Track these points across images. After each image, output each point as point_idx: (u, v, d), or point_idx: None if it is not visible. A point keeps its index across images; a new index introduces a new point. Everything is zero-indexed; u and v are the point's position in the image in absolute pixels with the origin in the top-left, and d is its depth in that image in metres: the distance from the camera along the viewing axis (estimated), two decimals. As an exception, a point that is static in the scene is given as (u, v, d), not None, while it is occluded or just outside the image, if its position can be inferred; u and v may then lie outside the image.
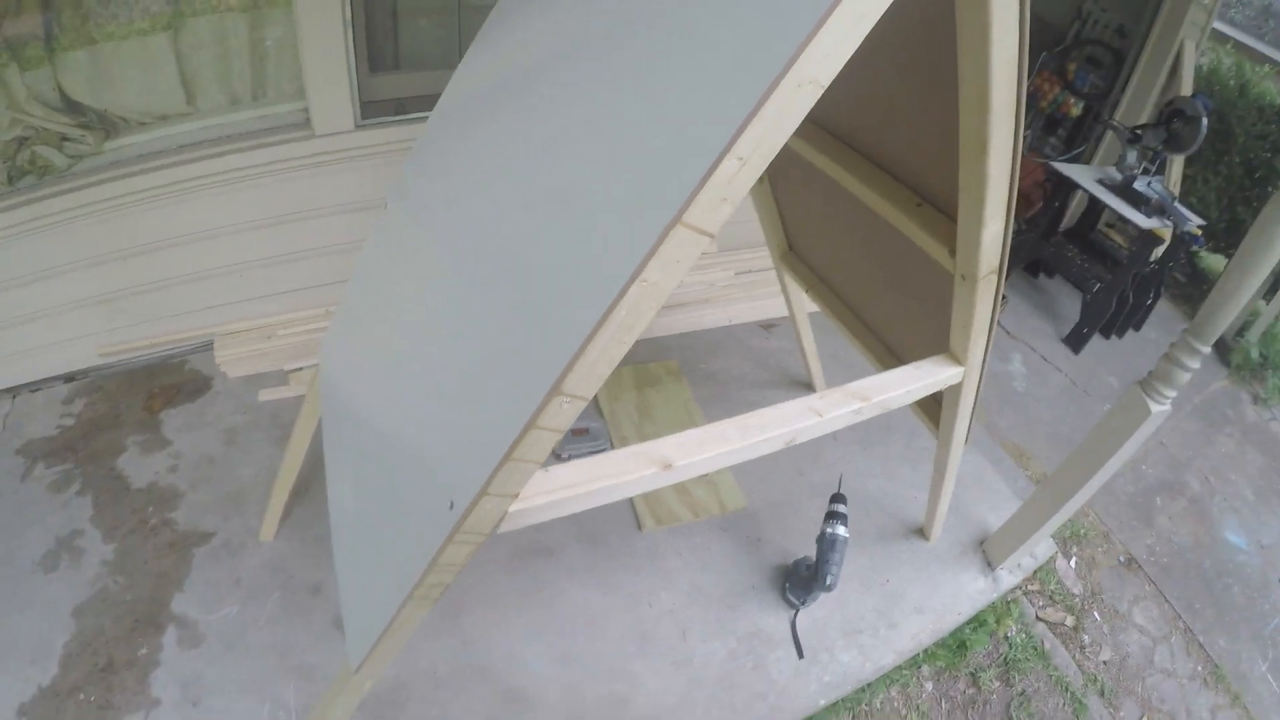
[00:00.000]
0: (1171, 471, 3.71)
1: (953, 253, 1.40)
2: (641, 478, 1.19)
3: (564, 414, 0.94)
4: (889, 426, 3.20)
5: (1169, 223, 3.72)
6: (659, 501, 2.63)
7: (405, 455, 1.29)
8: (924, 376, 1.59)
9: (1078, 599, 2.99)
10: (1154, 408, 2.01)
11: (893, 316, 2.07)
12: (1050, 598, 2.94)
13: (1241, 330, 4.51)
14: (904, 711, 2.45)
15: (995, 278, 1.40)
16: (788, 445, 1.37)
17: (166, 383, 2.86)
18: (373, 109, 2.58)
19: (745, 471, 2.83)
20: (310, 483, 2.43)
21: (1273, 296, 4.39)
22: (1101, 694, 2.75)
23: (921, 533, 2.67)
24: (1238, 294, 1.85)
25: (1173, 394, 2.03)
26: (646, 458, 1.20)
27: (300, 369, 2.92)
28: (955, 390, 1.73)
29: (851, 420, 1.46)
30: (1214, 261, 5.23)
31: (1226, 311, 1.89)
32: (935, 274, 1.54)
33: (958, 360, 1.62)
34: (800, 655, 2.24)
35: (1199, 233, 3.77)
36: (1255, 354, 4.37)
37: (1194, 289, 5.07)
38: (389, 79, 2.62)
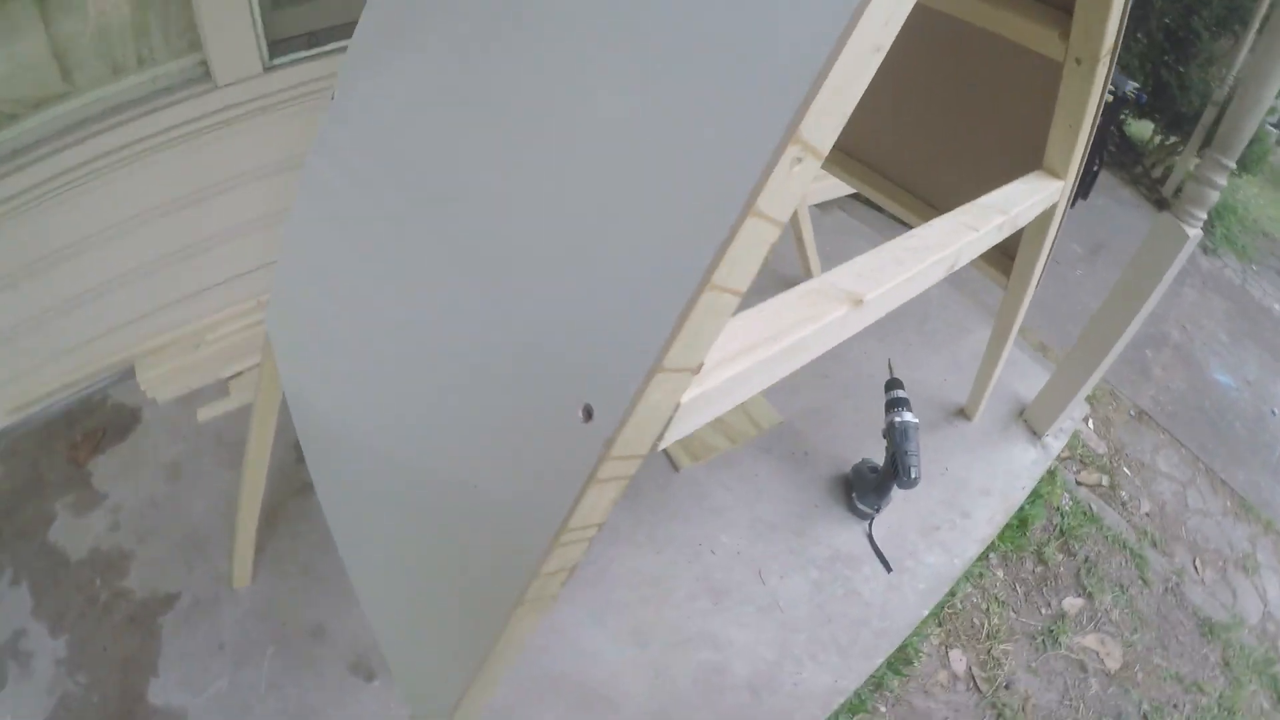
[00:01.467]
0: (1151, 324, 3.76)
1: (1063, 35, 1.23)
2: (835, 320, 0.93)
3: (795, 181, 0.60)
4: (897, 313, 3.06)
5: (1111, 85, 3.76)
6: (690, 435, 2.38)
7: (477, 381, 0.86)
8: (1035, 191, 1.41)
9: (1105, 458, 2.97)
10: (1189, 231, 1.98)
11: (942, 160, 1.92)
12: (1081, 461, 2.90)
13: (1180, 188, 4.65)
14: (984, 604, 2.34)
15: (1110, 59, 1.22)
16: (949, 271, 1.16)
17: (89, 426, 2.41)
18: (281, 47, 2.18)
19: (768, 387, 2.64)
20: (280, 503, 2.07)
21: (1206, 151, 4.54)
22: (1154, 545, 2.74)
23: (963, 413, 2.54)
24: (1259, 103, 1.84)
25: (1203, 215, 1.99)
26: (827, 295, 0.94)
27: (240, 373, 2.51)
28: (1044, 217, 1.56)
29: (997, 237, 1.27)
30: (1140, 128, 5.39)
31: (1250, 123, 1.88)
32: (1023, 82, 1.38)
33: (1056, 174, 1.45)
34: (888, 569, 2.06)
35: (1135, 94, 3.84)
36: None
37: (1125, 157, 5.20)
38: (296, 11, 2.20)
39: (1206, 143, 4.54)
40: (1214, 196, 1.97)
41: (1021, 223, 1.35)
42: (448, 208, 0.91)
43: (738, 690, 1.82)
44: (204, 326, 2.53)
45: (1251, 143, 4.54)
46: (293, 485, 2.16)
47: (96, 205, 2.07)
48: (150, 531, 2.10)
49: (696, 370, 0.72)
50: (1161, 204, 4.65)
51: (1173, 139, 4.89)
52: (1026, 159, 1.52)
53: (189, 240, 2.30)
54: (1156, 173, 4.95)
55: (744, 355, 0.82)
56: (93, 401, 2.47)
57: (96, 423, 2.43)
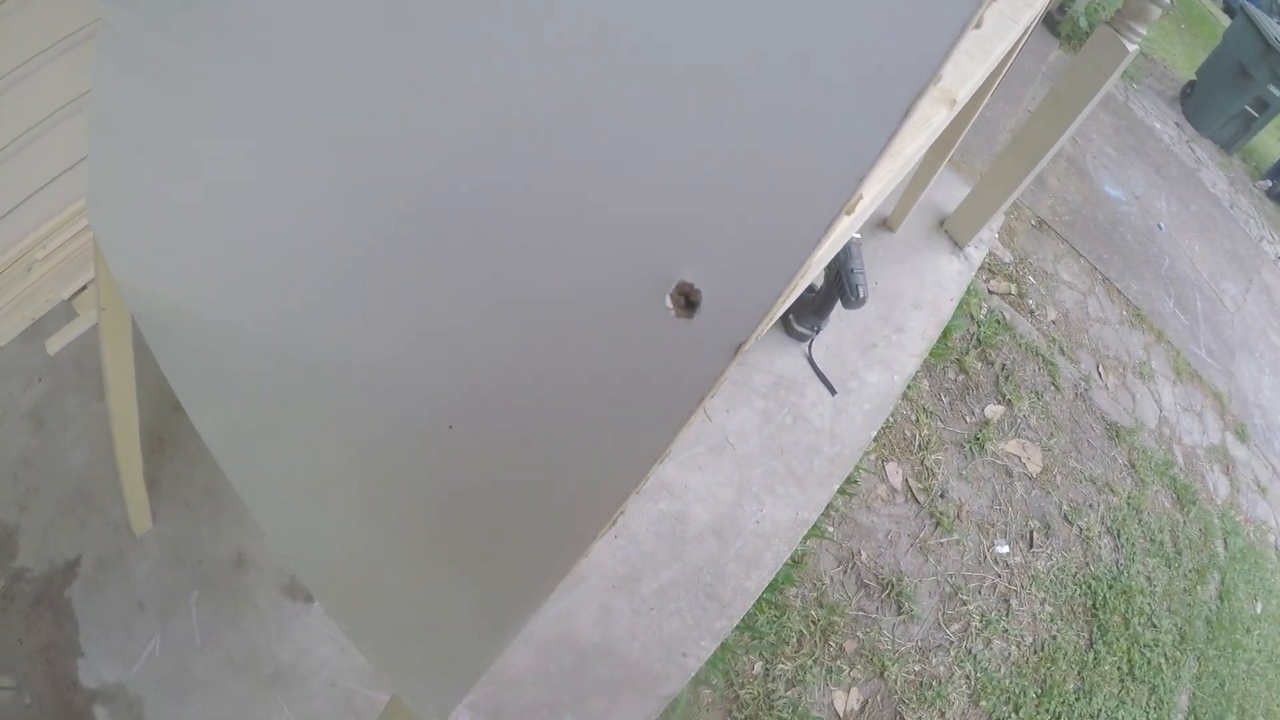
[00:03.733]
0: (1048, 137, 3.78)
1: None
2: (939, 123, 0.78)
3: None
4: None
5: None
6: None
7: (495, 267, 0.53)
8: None
9: (1011, 266, 3.01)
10: (1129, 46, 1.97)
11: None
12: (990, 270, 2.92)
13: (1064, 5, 4.64)
14: (914, 415, 2.35)
15: None
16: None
17: (-73, 396, 1.95)
18: None
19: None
20: (162, 424, 1.77)
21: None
22: (1062, 352, 2.82)
23: (886, 225, 2.46)
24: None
25: (1144, 31, 1.98)
26: (929, 99, 0.78)
27: (84, 288, 2.06)
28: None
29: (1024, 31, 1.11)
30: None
31: None
32: None
33: None
34: (832, 391, 1.99)
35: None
36: (1084, 23, 4.58)
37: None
38: None
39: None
40: (1156, 12, 1.94)
41: (1036, 17, 1.19)
42: None
43: (702, 538, 1.73)
44: (30, 245, 2.04)
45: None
46: (171, 400, 1.82)
47: None
48: (30, 496, 1.73)
49: (854, 207, 0.44)
50: (1046, 18, 4.62)
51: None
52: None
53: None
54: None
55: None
56: (-75, 367, 2.00)
57: (-64, 390, 1.97)
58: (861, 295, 1.81)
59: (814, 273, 0.59)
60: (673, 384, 0.43)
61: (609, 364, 0.46)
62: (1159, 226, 3.76)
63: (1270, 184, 5.34)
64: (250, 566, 1.65)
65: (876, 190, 0.67)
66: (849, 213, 0.41)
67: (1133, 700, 2.21)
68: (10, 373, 1.97)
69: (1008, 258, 3.02)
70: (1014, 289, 2.90)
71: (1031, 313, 2.88)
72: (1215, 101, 5.21)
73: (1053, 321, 2.91)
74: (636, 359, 0.44)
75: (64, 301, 2.01)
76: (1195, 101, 5.35)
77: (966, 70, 0.91)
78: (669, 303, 0.42)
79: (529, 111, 0.47)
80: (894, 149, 0.60)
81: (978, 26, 0.35)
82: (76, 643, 1.57)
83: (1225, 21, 6.93)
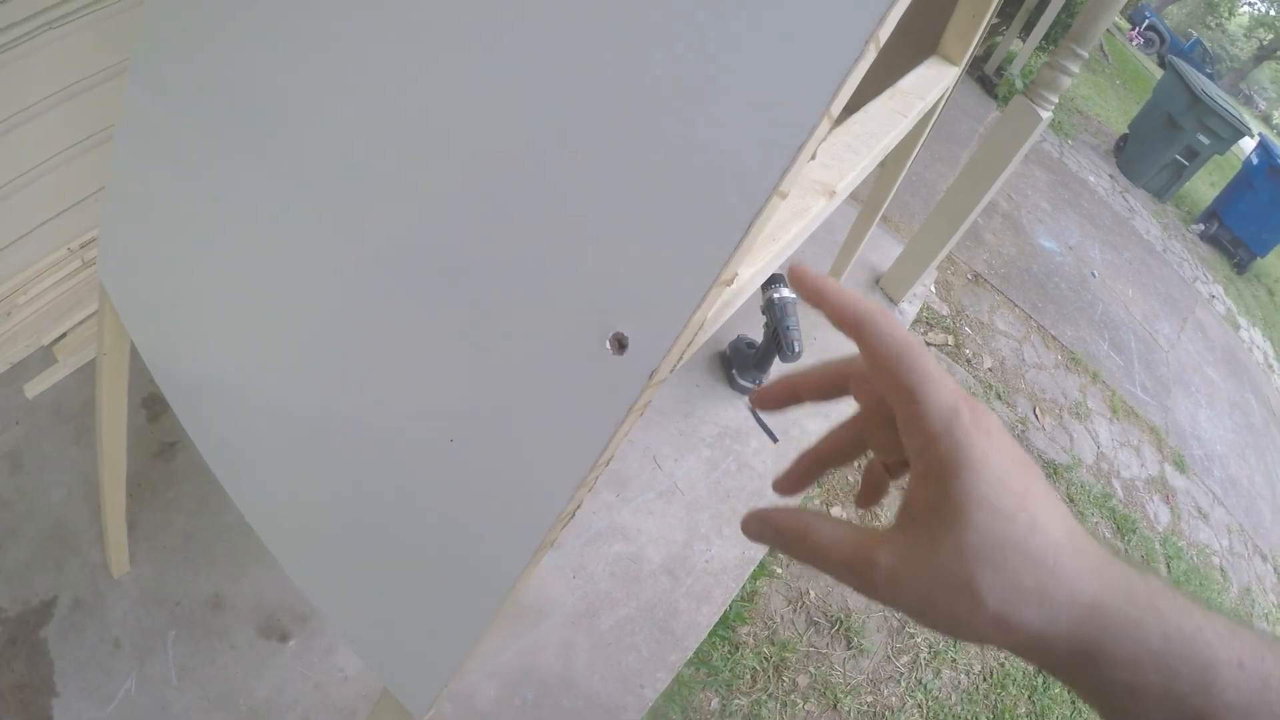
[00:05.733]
0: (983, 195, 4.03)
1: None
2: (816, 213, 0.92)
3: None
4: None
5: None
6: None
7: (457, 319, 0.71)
8: (941, 77, 1.47)
9: (948, 319, 3.20)
10: (1042, 114, 2.13)
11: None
12: (927, 323, 3.11)
13: (1001, 68, 4.95)
14: (858, 462, 2.49)
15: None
16: (881, 159, 1.17)
17: (-111, 421, 2.05)
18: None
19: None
20: (140, 471, 1.84)
21: (1028, 35, 4.85)
22: (999, 397, 2.99)
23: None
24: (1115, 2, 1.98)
25: (1055, 99, 2.14)
26: (806, 190, 0.93)
27: (64, 335, 2.19)
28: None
29: (916, 121, 1.29)
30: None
31: (1105, 19, 2.03)
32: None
33: (952, 60, 1.52)
34: (774, 439, 2.15)
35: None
36: (1019, 84, 4.85)
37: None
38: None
39: (1028, 25, 4.85)
40: (1066, 82, 2.12)
41: (931, 107, 1.40)
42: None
43: (655, 576, 1.86)
44: (12, 289, 2.17)
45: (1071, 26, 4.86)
46: (149, 449, 1.94)
47: None
48: (5, 537, 1.78)
49: (730, 281, 0.60)
50: (984, 80, 4.92)
51: (995, 19, 5.17)
52: (921, 43, 1.57)
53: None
54: (978, 51, 5.25)
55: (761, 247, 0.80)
56: (-107, 399, 2.11)
57: (-96, 422, 2.08)
58: (797, 350, 1.99)
59: (711, 330, 0.75)
60: (610, 397, 0.63)
61: (568, 383, 0.65)
62: (1093, 274, 4.01)
63: (1202, 227, 5.66)
64: (227, 608, 1.70)
65: (758, 267, 0.84)
66: (727, 284, 0.58)
67: (1085, 721, 2.34)
68: (-11, 415, 2.00)
69: (945, 310, 3.23)
70: (951, 339, 3.10)
71: (968, 361, 3.07)
72: (1147, 152, 5.54)
73: (989, 369, 3.10)
74: (588, 380, 0.64)
75: (44, 347, 2.10)
76: (1128, 153, 5.68)
77: (849, 164, 1.09)
78: (609, 345, 0.62)
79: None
80: (769, 235, 0.79)
81: (782, 197, 0.49)
82: (51, 682, 1.59)
83: (1159, 76, 7.33)
